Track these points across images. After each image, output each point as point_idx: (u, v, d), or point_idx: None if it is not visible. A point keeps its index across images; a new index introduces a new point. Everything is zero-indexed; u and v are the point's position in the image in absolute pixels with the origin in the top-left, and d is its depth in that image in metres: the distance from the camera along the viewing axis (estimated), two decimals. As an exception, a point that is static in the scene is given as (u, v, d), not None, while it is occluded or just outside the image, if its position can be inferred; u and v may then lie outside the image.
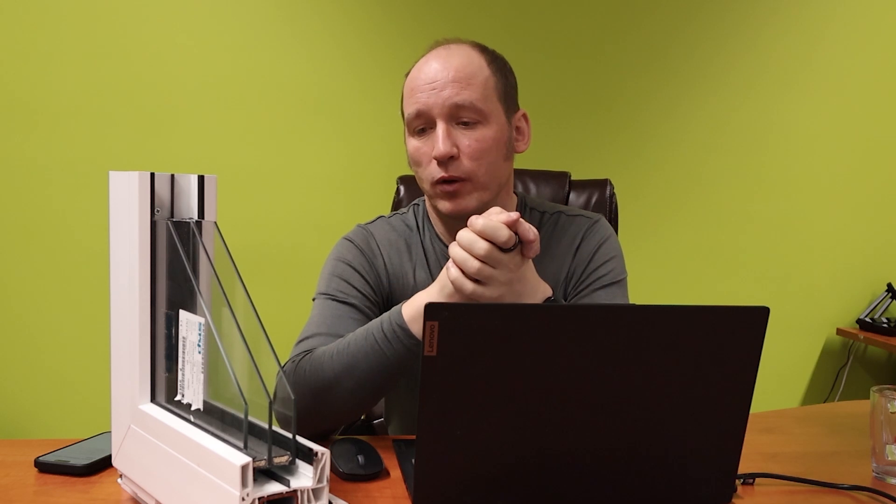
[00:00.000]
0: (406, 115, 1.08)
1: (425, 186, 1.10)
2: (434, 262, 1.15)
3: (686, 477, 0.80)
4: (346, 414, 1.02)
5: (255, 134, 2.36)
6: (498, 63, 1.10)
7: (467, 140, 1.04)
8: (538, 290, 0.94)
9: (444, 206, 1.07)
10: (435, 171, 1.05)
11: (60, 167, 2.27)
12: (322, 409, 0.98)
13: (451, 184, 1.05)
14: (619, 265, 1.15)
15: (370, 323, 0.97)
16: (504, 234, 0.86)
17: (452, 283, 0.88)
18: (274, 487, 0.66)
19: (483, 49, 1.10)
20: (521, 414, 0.74)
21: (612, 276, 1.13)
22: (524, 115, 1.14)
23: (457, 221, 1.08)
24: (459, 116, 1.05)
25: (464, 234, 0.87)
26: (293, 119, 2.38)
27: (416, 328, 0.91)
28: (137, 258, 0.75)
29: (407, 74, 1.11)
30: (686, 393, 0.77)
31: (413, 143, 1.08)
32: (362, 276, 1.12)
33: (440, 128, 1.04)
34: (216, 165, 2.33)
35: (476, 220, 0.87)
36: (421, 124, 1.07)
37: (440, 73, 1.04)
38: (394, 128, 2.35)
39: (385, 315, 0.95)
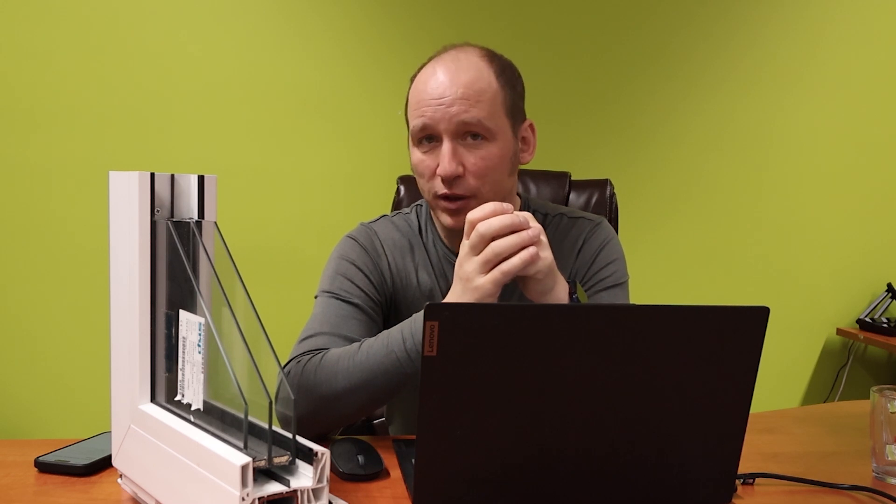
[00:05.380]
0: (411, 126, 1.07)
1: (427, 198, 1.10)
2: (437, 264, 1.15)
3: (686, 477, 0.80)
4: (351, 419, 1.03)
5: (256, 134, 2.36)
6: (507, 74, 1.08)
7: (473, 158, 1.04)
8: (563, 280, 0.96)
9: (446, 220, 1.07)
10: (438, 187, 1.05)
11: (60, 167, 2.27)
12: (330, 415, 0.98)
13: (454, 200, 1.05)
14: (622, 268, 1.15)
15: (388, 337, 0.95)
16: (493, 205, 0.91)
17: (506, 273, 0.89)
18: (274, 487, 0.66)
19: (492, 58, 1.07)
20: (522, 414, 0.74)
21: (615, 278, 1.13)
22: (531, 126, 1.13)
23: (459, 232, 1.09)
24: (466, 133, 1.04)
25: (502, 241, 0.89)
26: (293, 119, 2.38)
27: None
28: (137, 258, 0.75)
29: (413, 78, 1.09)
30: (686, 393, 0.77)
31: (417, 154, 1.07)
32: (366, 276, 1.12)
33: (446, 146, 1.03)
34: (216, 165, 2.33)
35: (504, 219, 0.89)
36: (426, 137, 1.06)
37: (448, 88, 1.03)
38: (394, 128, 2.38)
39: (406, 329, 0.94)
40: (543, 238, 0.91)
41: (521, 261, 0.88)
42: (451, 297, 0.93)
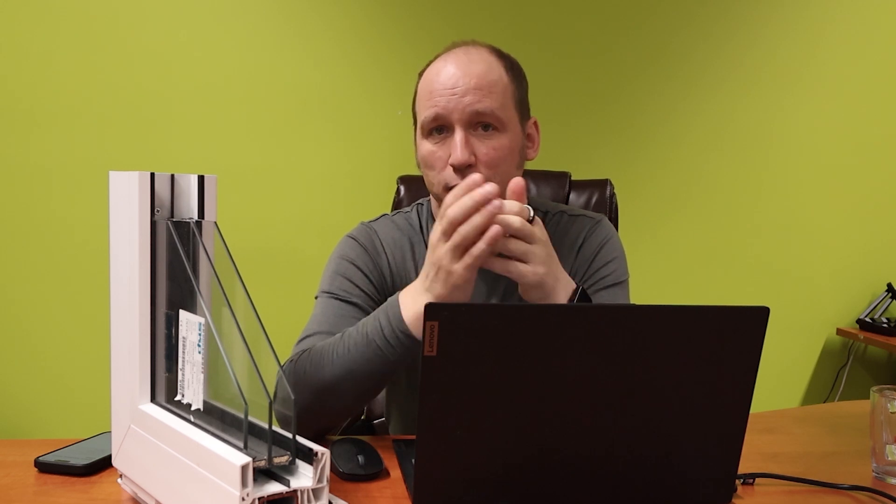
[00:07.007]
0: (421, 118, 1.06)
1: (436, 190, 1.08)
2: None
3: (686, 477, 0.80)
4: (347, 411, 1.03)
5: (256, 134, 2.36)
6: (515, 70, 1.09)
7: (485, 148, 1.03)
8: (567, 279, 0.95)
9: None
10: (450, 178, 1.04)
11: (60, 167, 2.27)
12: (323, 409, 0.98)
13: None
14: (622, 266, 1.15)
15: (367, 324, 0.95)
16: (517, 205, 0.90)
17: (494, 268, 0.89)
18: (274, 487, 0.66)
19: (500, 54, 1.09)
20: (522, 414, 0.74)
21: (614, 277, 1.13)
22: (535, 123, 1.14)
23: None
24: (478, 123, 1.04)
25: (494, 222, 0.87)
26: (294, 119, 2.38)
27: (418, 330, 0.91)
28: (137, 258, 0.75)
29: (421, 74, 1.09)
30: (686, 393, 0.77)
31: (426, 146, 1.07)
32: (365, 275, 1.12)
33: (458, 135, 1.02)
34: (216, 165, 2.33)
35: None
36: (436, 128, 1.05)
37: (461, 78, 1.03)
38: (395, 128, 2.38)
39: (383, 317, 0.94)
40: (537, 251, 0.90)
41: (487, 244, 0.86)
42: (419, 282, 0.92)
